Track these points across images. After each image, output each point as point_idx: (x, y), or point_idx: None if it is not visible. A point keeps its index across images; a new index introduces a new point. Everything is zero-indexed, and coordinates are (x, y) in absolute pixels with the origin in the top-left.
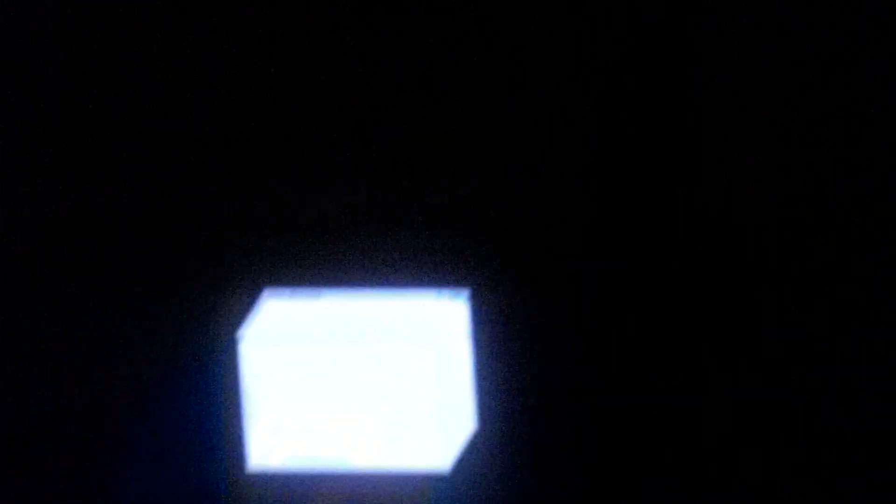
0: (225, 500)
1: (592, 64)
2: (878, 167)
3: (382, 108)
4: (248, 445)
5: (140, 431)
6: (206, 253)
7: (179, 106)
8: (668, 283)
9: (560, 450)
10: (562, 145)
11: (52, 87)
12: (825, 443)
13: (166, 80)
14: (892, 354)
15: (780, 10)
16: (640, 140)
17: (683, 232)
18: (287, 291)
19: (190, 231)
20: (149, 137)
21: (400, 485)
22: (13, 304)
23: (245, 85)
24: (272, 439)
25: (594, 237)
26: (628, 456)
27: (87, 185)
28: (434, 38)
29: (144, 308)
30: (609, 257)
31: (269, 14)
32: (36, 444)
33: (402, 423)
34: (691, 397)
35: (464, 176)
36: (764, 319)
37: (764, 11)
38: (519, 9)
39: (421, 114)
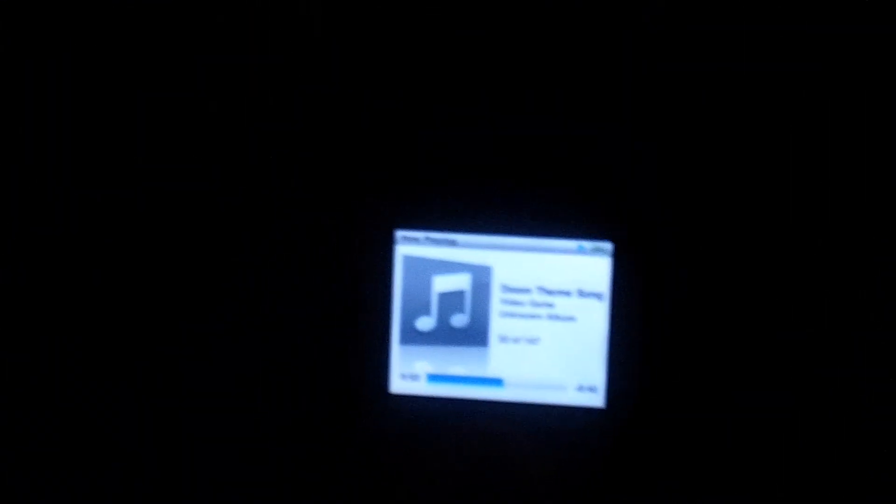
0: (367, 421)
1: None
2: None
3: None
4: (393, 368)
5: (299, 361)
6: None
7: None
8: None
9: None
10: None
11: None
12: None
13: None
14: None
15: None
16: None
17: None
18: (422, 234)
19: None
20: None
21: (551, 416)
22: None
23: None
24: (417, 368)
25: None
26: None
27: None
28: None
29: (290, 248)
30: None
31: None
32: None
33: (547, 363)
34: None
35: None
36: None
37: None
38: None
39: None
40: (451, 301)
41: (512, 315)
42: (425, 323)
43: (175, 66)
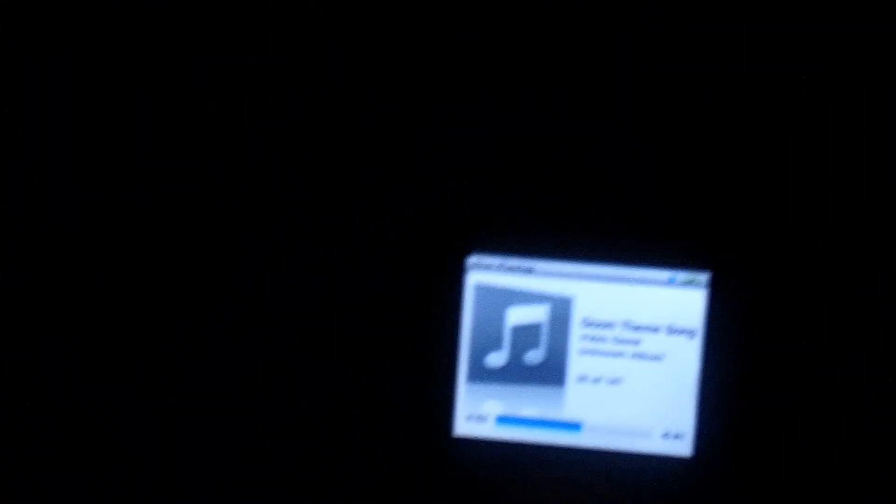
0: (430, 466)
1: None
2: None
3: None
4: (459, 409)
5: (352, 397)
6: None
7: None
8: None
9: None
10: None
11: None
12: None
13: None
14: None
15: None
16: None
17: None
18: (498, 259)
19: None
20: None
21: (633, 465)
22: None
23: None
24: (485, 408)
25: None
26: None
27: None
28: None
29: (357, 275)
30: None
31: None
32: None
33: (628, 407)
34: None
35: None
36: None
37: None
38: None
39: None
40: (526, 335)
41: (593, 352)
42: (496, 359)
43: (175, 66)
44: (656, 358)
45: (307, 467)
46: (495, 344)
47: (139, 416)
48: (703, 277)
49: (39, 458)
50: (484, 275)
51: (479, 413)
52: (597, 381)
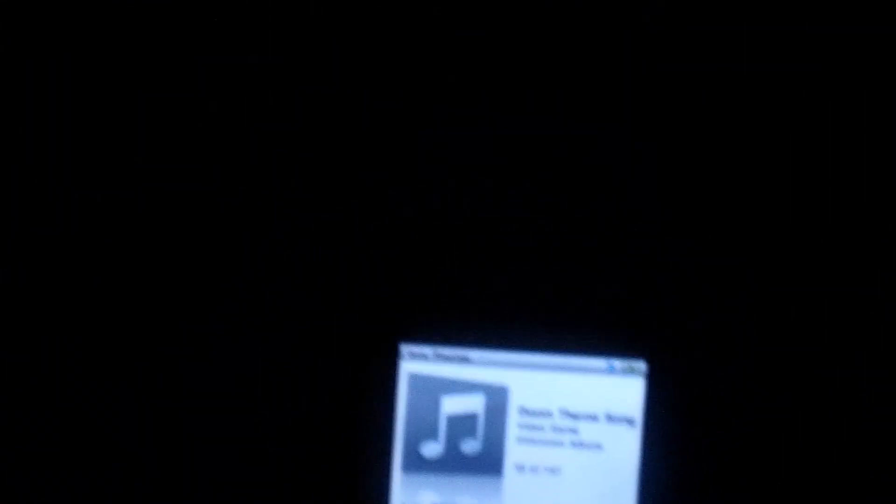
0: None
1: None
2: None
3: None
4: (394, 500)
5: (287, 486)
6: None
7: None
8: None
9: None
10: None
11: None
12: None
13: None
14: None
15: None
16: None
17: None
18: (431, 350)
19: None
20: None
21: None
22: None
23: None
24: (421, 499)
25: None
26: None
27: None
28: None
29: (289, 362)
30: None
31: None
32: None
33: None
34: None
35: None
36: None
37: None
38: None
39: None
40: (462, 425)
41: (531, 441)
42: (432, 449)
43: (175, 66)
44: (596, 447)
45: None
46: (431, 433)
47: (139, 416)
48: (641, 365)
49: (39, 458)
50: (418, 364)
51: (415, 503)
52: (535, 471)
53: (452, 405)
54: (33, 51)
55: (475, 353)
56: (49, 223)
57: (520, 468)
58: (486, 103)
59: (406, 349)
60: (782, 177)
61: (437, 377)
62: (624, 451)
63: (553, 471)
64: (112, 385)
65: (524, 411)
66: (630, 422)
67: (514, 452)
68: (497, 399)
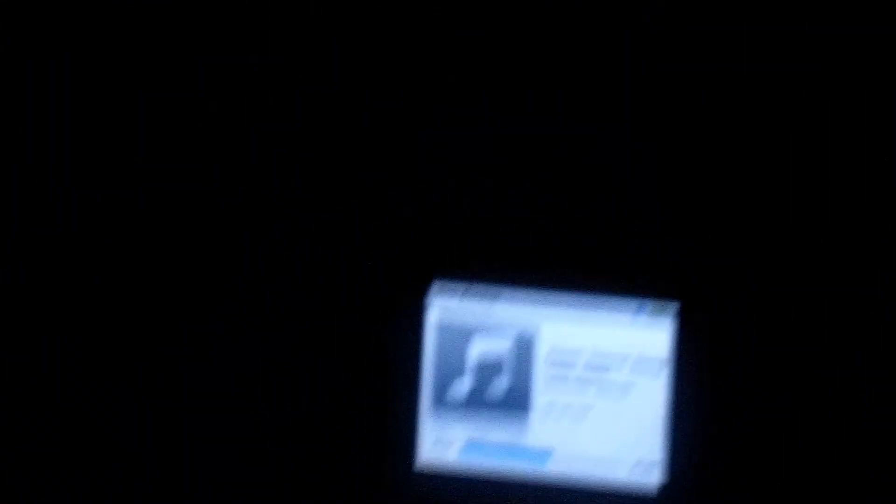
0: (394, 499)
1: None
2: None
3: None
4: (421, 443)
5: (311, 423)
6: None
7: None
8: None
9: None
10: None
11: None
12: None
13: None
14: None
15: None
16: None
17: None
18: (461, 287)
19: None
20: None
21: (603, 498)
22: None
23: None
24: (447, 437)
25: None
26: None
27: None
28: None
29: (318, 301)
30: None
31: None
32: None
33: (594, 439)
34: None
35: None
36: None
37: None
38: None
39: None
40: (491, 364)
41: (560, 380)
42: (461, 387)
43: (175, 66)
44: (624, 387)
45: (271, 501)
46: (459, 372)
47: (139, 416)
48: (672, 307)
49: (39, 458)
50: (448, 301)
51: (444, 439)
52: (564, 409)
53: (482, 345)
54: (33, 51)
55: (505, 291)
56: (49, 223)
57: (549, 407)
58: (486, 103)
59: (438, 284)
60: (782, 177)
61: (468, 314)
62: (652, 392)
63: (582, 410)
64: (112, 385)
65: (554, 350)
66: (660, 363)
67: (543, 391)
68: (526, 339)
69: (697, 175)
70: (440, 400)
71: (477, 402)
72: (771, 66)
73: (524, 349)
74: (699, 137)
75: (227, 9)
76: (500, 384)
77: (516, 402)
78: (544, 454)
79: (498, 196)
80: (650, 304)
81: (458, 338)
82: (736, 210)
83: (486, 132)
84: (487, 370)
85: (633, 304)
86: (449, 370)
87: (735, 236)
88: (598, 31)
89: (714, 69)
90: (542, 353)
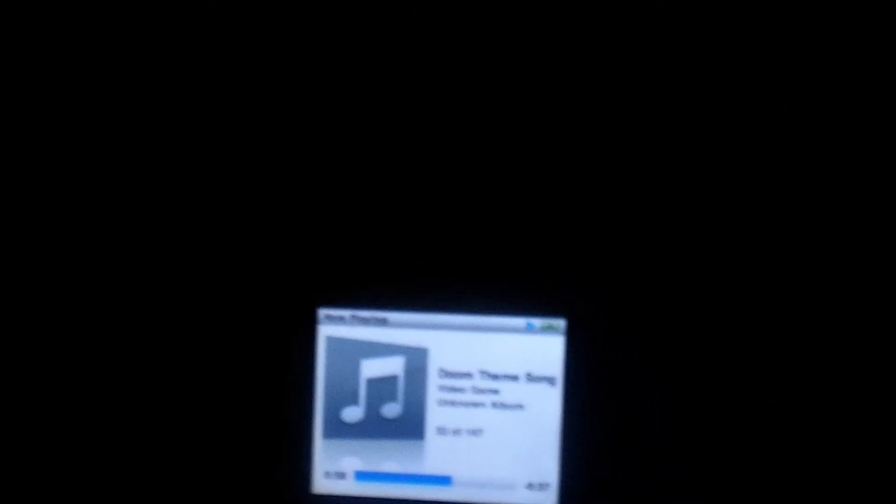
0: None
1: None
2: None
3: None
4: (316, 466)
5: (209, 456)
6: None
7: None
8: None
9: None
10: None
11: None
12: None
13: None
14: None
15: None
16: None
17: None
18: (348, 313)
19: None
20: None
21: None
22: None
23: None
24: (344, 464)
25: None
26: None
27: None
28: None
29: (210, 328)
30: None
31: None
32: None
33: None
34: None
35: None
36: None
37: None
38: None
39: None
40: (382, 388)
41: (451, 403)
42: (353, 413)
43: (175, 66)
44: (517, 407)
45: None
46: (351, 398)
47: (139, 416)
48: (561, 323)
49: (40, 457)
50: (336, 327)
51: (337, 470)
52: (456, 433)
53: (372, 368)
54: (33, 51)
55: (393, 315)
56: (49, 223)
57: (441, 431)
58: (487, 103)
59: (323, 312)
60: (781, 176)
61: (356, 340)
62: (545, 409)
63: (475, 432)
64: (112, 385)
65: (444, 373)
66: (551, 380)
67: (436, 415)
68: (417, 361)
69: (581, 194)
70: (332, 428)
71: (370, 429)
72: (771, 66)
73: (414, 373)
74: (577, 158)
75: (227, 9)
76: (393, 410)
77: (409, 428)
78: (438, 479)
79: (382, 219)
80: (539, 322)
81: (347, 364)
82: (620, 225)
83: (362, 156)
84: (378, 396)
85: (521, 321)
86: (340, 397)
87: (619, 251)
88: (597, 31)
89: (714, 69)
90: (432, 376)
